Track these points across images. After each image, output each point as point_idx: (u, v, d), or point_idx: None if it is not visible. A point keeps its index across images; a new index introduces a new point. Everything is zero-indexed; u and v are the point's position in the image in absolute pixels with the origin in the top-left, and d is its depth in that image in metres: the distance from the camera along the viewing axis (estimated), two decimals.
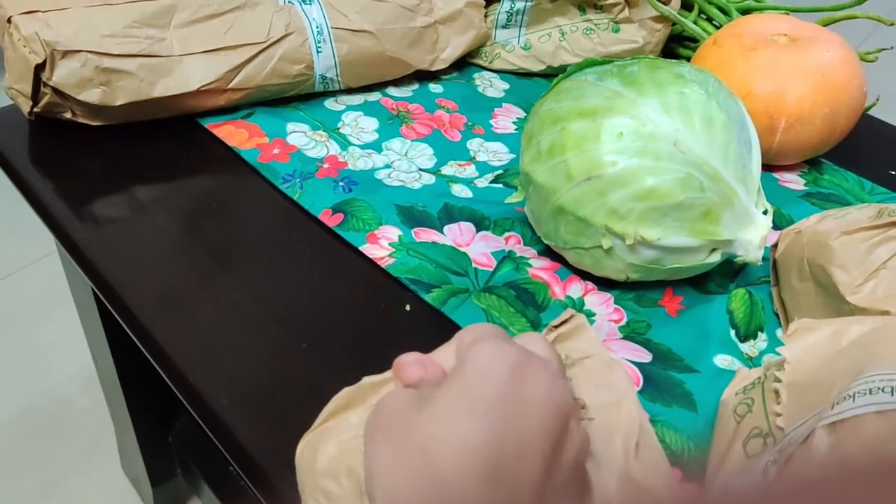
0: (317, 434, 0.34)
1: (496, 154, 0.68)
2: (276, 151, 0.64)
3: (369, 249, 0.55)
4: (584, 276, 0.55)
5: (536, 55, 0.78)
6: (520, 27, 0.78)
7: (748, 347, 0.51)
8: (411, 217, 0.58)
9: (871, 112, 0.73)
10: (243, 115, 0.67)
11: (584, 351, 0.41)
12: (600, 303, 0.53)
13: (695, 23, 0.76)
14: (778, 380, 0.40)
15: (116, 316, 0.52)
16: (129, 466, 1.10)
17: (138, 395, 0.89)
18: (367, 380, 0.35)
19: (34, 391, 1.25)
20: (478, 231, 0.58)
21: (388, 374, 0.34)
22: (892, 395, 0.31)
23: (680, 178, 0.46)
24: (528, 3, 0.76)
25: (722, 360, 0.50)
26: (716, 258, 0.51)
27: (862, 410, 0.31)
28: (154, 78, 0.61)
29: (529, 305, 0.52)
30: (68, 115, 0.62)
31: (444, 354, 0.33)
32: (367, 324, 0.51)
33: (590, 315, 0.52)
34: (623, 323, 0.52)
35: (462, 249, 0.56)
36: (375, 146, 0.66)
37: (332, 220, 0.58)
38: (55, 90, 0.59)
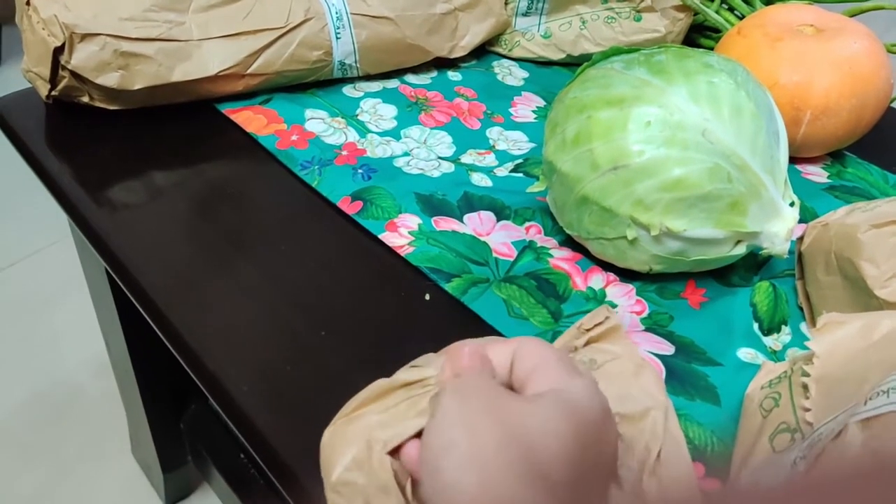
0: (345, 422, 0.33)
1: (516, 143, 0.67)
2: (294, 138, 0.64)
3: (389, 238, 0.55)
4: (606, 266, 0.54)
5: (557, 43, 0.77)
6: (540, 15, 0.77)
7: (772, 341, 0.50)
8: (431, 205, 0.58)
9: (894, 104, 0.72)
10: (261, 101, 0.67)
11: (614, 353, 0.40)
12: (622, 294, 0.52)
13: (717, 12, 0.75)
14: (806, 374, 0.39)
15: (134, 301, 0.52)
16: (140, 453, 1.10)
17: (150, 382, 0.89)
18: (401, 376, 0.34)
19: (46, 377, 1.25)
20: (498, 220, 0.57)
21: (422, 373, 0.34)
22: None
23: (707, 169, 0.46)
24: None
25: (745, 354, 0.49)
26: (741, 250, 0.50)
27: None
28: (172, 62, 0.61)
29: (550, 296, 0.52)
30: (86, 99, 0.62)
31: (498, 355, 0.34)
32: (386, 312, 0.50)
33: (611, 307, 0.51)
34: (645, 315, 0.51)
35: (482, 239, 0.55)
36: (394, 134, 0.66)
37: (351, 208, 0.57)
38: (73, 73, 0.59)
